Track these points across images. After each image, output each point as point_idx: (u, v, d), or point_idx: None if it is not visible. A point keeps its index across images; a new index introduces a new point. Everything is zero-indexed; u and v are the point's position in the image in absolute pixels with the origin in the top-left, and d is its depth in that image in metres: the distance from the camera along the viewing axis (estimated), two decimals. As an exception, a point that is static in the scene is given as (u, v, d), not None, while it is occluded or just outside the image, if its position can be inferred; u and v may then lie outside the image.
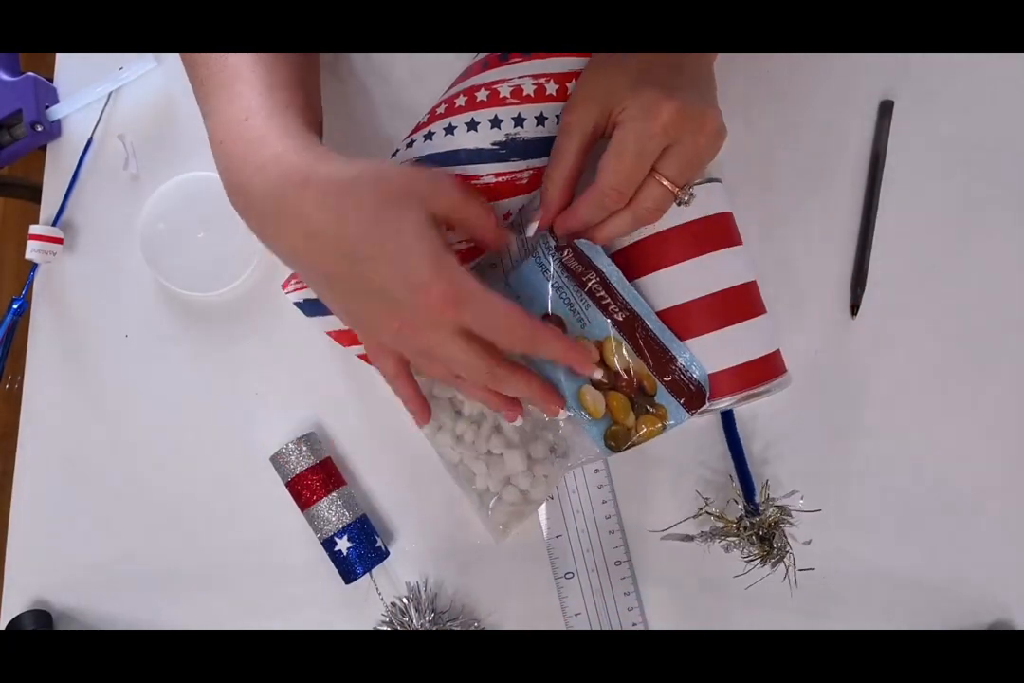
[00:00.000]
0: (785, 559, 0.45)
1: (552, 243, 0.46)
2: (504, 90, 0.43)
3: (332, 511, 0.48)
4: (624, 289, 0.44)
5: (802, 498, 0.47)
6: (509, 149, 0.43)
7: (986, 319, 0.50)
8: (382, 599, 0.49)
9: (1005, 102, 0.51)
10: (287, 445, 0.48)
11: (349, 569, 0.47)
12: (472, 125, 0.43)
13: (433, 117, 0.45)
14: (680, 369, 0.43)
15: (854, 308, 0.50)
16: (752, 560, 0.46)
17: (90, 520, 0.52)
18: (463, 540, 0.50)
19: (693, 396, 0.43)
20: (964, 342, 0.50)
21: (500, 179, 0.43)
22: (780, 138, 0.51)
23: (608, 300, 0.45)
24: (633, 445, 0.44)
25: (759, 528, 0.45)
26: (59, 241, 0.52)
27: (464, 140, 0.43)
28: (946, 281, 0.50)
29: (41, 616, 0.50)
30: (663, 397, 0.44)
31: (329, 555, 0.48)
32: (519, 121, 0.43)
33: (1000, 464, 0.49)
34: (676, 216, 0.43)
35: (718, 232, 0.44)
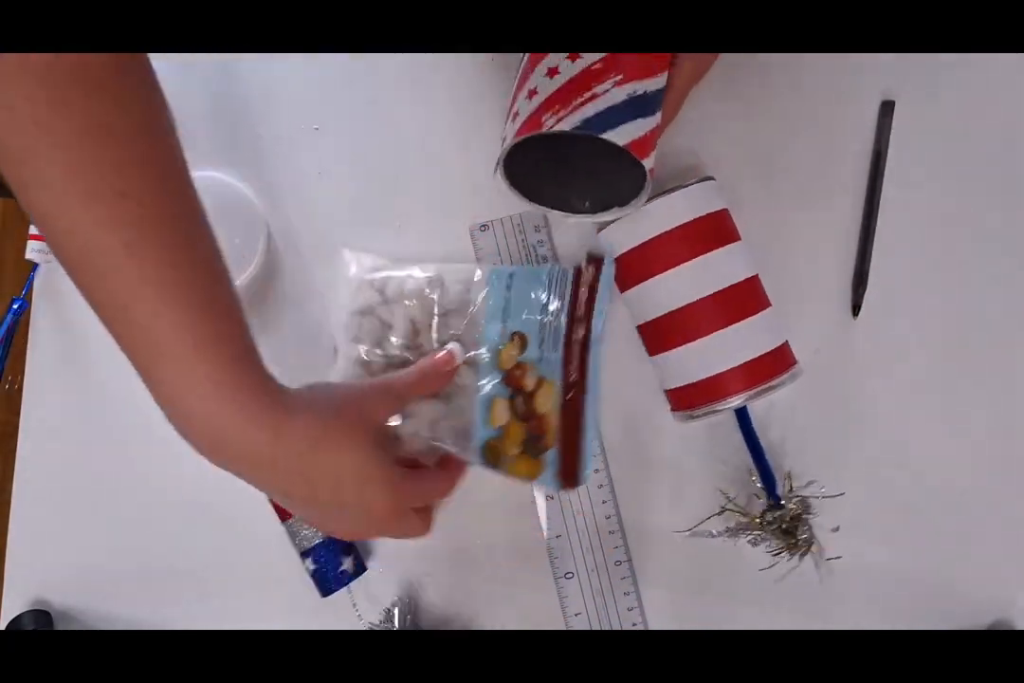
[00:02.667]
0: (812, 549, 0.45)
1: (570, 276, 0.47)
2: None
3: (308, 525, 0.48)
4: (595, 356, 0.45)
5: (823, 487, 0.47)
6: None
7: (988, 318, 0.50)
8: (360, 617, 0.49)
9: (1005, 102, 0.51)
10: None
11: (323, 584, 0.48)
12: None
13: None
14: (577, 449, 0.44)
15: (855, 308, 0.50)
16: (778, 553, 0.46)
17: (90, 520, 0.52)
18: (463, 540, 0.50)
19: (568, 478, 0.44)
20: (967, 342, 0.50)
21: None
22: (781, 138, 0.51)
23: (575, 357, 0.45)
24: (496, 470, 0.45)
25: (782, 521, 0.45)
26: (59, 241, 0.52)
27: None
28: (947, 280, 0.50)
29: (41, 616, 0.50)
30: (550, 458, 0.44)
31: (305, 568, 0.48)
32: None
33: (1001, 464, 0.49)
34: (673, 217, 0.44)
35: (716, 230, 0.44)
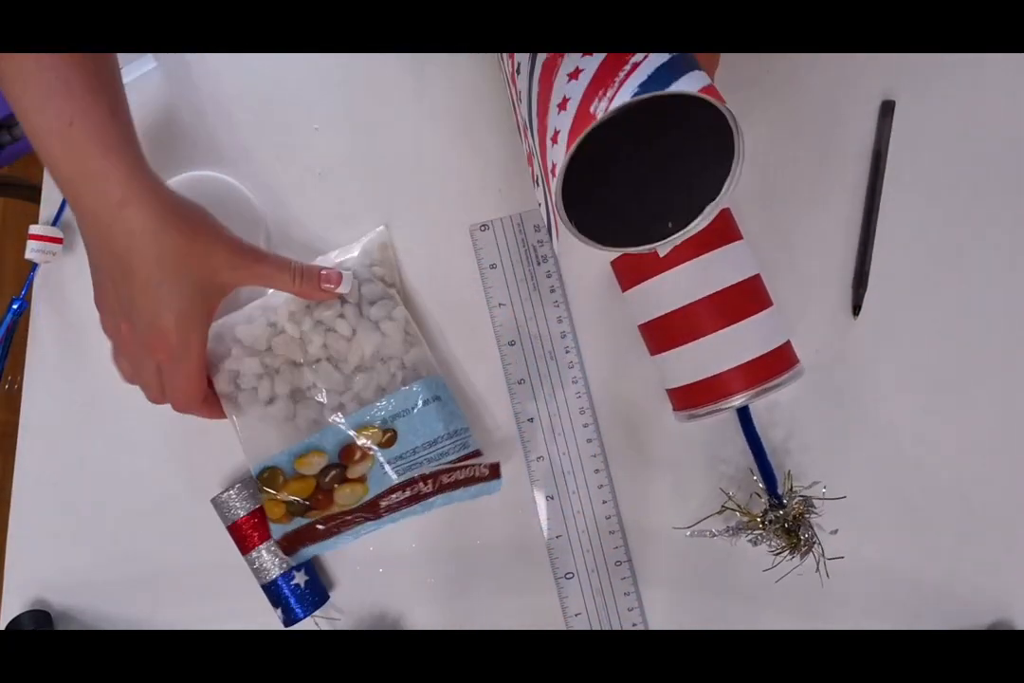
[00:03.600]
0: (814, 550, 0.45)
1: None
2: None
3: (267, 559, 0.48)
4: (404, 514, 0.46)
5: (824, 488, 0.47)
6: None
7: (988, 318, 0.50)
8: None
9: (1005, 102, 0.51)
10: (228, 492, 0.48)
11: (288, 615, 0.48)
12: None
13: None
14: (312, 540, 0.47)
15: (856, 308, 0.50)
16: (780, 553, 0.46)
17: (90, 520, 0.52)
18: (463, 540, 0.50)
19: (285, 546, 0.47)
20: (967, 342, 0.50)
21: None
22: (780, 138, 0.51)
23: (399, 497, 0.46)
24: (260, 490, 0.47)
25: (784, 520, 0.45)
26: (59, 241, 0.52)
27: None
28: (948, 280, 0.50)
29: (41, 616, 0.50)
30: (296, 523, 0.46)
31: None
32: None
33: (1000, 464, 0.49)
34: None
35: (718, 229, 0.44)
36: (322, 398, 0.47)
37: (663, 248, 0.40)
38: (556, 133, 0.36)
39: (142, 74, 0.53)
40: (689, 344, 0.44)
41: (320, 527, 0.46)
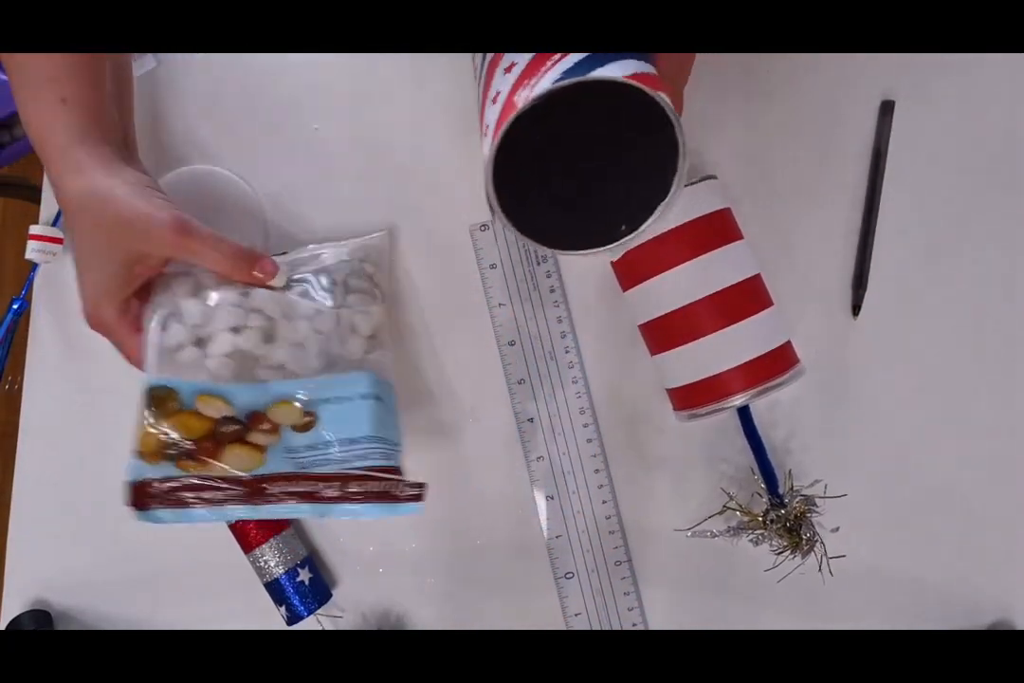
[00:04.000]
0: (816, 548, 0.45)
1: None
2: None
3: (271, 557, 0.48)
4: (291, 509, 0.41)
5: (825, 487, 0.47)
6: None
7: (988, 318, 0.50)
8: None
9: (1005, 102, 0.51)
10: None
11: (292, 612, 0.48)
12: None
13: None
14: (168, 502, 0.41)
15: (855, 308, 0.50)
16: (781, 552, 0.46)
17: (89, 521, 0.52)
18: (463, 540, 0.50)
19: (138, 494, 0.41)
20: (967, 341, 0.50)
21: None
22: (780, 138, 0.51)
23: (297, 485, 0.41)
24: (142, 409, 0.41)
25: (786, 520, 0.45)
26: (59, 241, 0.52)
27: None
28: (948, 280, 0.50)
29: (41, 616, 0.50)
30: (166, 470, 0.41)
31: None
32: None
33: (1001, 464, 0.49)
34: (676, 216, 0.43)
35: (718, 229, 0.44)
36: (261, 354, 0.41)
37: (615, 251, 0.37)
38: (487, 127, 0.35)
39: (142, 74, 0.53)
40: (689, 344, 0.44)
41: (183, 488, 0.40)
